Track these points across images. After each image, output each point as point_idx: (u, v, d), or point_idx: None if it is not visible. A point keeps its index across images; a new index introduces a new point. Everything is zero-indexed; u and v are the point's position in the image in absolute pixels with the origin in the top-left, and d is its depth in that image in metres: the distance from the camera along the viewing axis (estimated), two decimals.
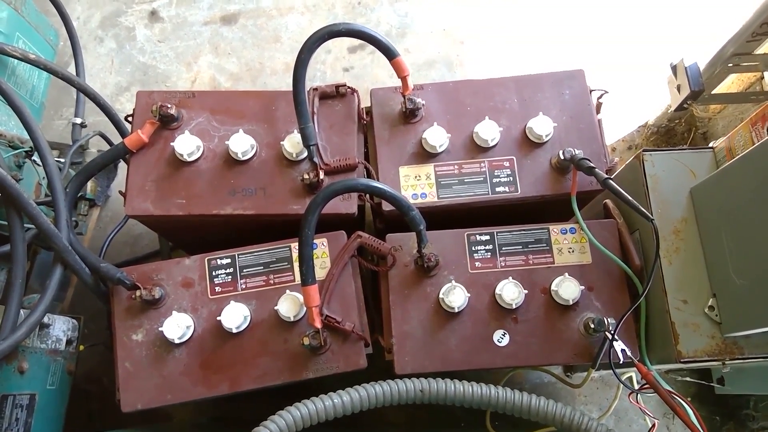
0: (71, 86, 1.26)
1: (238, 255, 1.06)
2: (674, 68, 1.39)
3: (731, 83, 1.49)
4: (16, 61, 1.20)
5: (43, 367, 1.09)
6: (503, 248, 1.06)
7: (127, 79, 1.85)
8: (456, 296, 1.01)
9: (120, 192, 1.10)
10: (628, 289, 1.04)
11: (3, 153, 1.09)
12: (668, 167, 1.05)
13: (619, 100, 1.34)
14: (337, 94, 1.13)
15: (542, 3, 1.90)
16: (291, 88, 1.03)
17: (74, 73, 1.31)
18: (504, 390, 0.91)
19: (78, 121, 1.45)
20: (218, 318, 1.01)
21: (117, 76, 1.86)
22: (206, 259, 1.06)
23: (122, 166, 1.60)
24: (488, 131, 1.09)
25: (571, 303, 1.02)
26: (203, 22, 1.91)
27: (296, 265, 1.04)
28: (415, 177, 1.10)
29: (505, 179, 1.09)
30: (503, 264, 1.05)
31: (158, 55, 1.88)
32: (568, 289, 1.01)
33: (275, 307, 1.01)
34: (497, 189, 1.09)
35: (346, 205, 1.07)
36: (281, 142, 1.08)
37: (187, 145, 1.07)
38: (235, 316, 1.00)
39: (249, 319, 1.02)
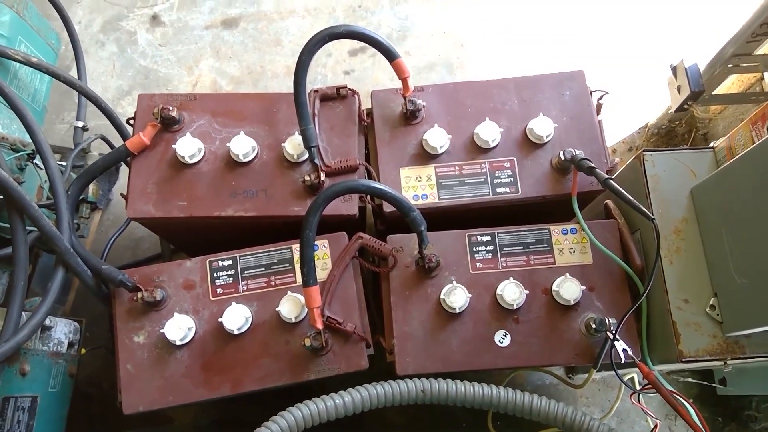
0: (73, 90, 1.27)
1: (240, 256, 1.06)
2: (674, 69, 1.40)
3: (731, 84, 1.49)
4: (18, 64, 1.21)
5: (45, 369, 1.09)
6: (504, 249, 1.06)
7: (129, 83, 1.86)
8: (457, 297, 1.01)
9: (122, 195, 1.10)
10: (629, 289, 1.04)
11: (5, 156, 1.09)
12: (669, 167, 1.05)
13: (620, 101, 1.34)
14: (338, 95, 1.13)
15: (542, 4, 1.91)
16: (292, 91, 1.04)
17: (76, 77, 1.31)
18: (505, 390, 0.91)
19: (80, 124, 1.45)
20: (220, 319, 1.01)
21: (118, 79, 1.86)
22: (207, 261, 1.06)
23: (123, 169, 1.61)
24: (489, 132, 1.09)
25: (572, 303, 1.02)
26: (204, 26, 1.92)
27: (297, 266, 1.04)
28: (416, 178, 1.10)
29: (506, 180, 1.09)
30: (504, 264, 1.06)
31: (159, 58, 1.89)
32: (569, 289, 1.01)
33: (277, 309, 1.01)
34: (498, 190, 1.09)
35: (347, 206, 1.07)
36: (282, 144, 1.08)
37: (188, 147, 1.07)
38: (236, 318, 1.00)
39: (250, 320, 1.02)
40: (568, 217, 1.09)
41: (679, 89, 1.40)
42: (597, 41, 1.82)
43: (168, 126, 1.10)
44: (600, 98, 1.14)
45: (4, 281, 1.13)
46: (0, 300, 1.11)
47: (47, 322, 1.09)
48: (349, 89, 1.13)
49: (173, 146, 1.08)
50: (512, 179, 1.09)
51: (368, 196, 1.09)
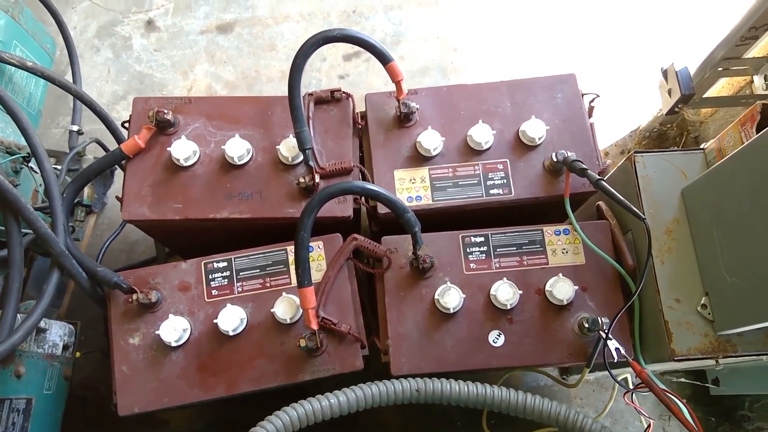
0: (68, 94, 1.27)
1: (235, 258, 1.06)
2: (665, 72, 1.41)
3: (722, 87, 1.51)
4: (13, 68, 1.21)
5: (40, 371, 1.09)
6: (498, 250, 1.07)
7: (124, 88, 1.87)
8: (451, 297, 1.01)
9: (117, 197, 1.11)
10: (621, 289, 1.05)
11: (0, 159, 1.09)
12: (660, 168, 1.06)
13: (611, 104, 1.35)
14: (332, 98, 1.14)
15: (535, 9, 1.93)
16: (286, 94, 1.04)
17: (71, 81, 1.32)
18: (499, 389, 0.91)
19: (75, 128, 1.46)
20: (215, 321, 1.01)
21: (113, 84, 1.87)
22: (203, 263, 1.06)
23: (118, 173, 1.62)
24: (482, 134, 1.10)
25: (565, 303, 1.02)
26: (199, 31, 1.93)
27: (292, 268, 1.05)
28: (410, 180, 1.11)
29: (499, 182, 1.10)
30: (498, 265, 1.06)
31: (155, 63, 1.90)
32: (562, 289, 1.02)
33: (271, 310, 1.01)
34: (491, 191, 1.10)
35: (341, 208, 1.08)
36: (277, 147, 1.09)
37: (183, 150, 1.08)
38: (231, 319, 1.01)
39: (245, 321, 1.03)
40: (560, 219, 1.10)
41: (669, 92, 1.41)
42: (588, 45, 1.84)
43: (163, 129, 1.11)
44: (592, 101, 1.15)
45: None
46: None
47: (42, 324, 1.09)
48: (344, 92, 1.14)
49: (168, 149, 1.08)
50: (505, 181, 1.10)
51: (363, 198, 1.10)
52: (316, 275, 1.03)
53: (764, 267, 0.84)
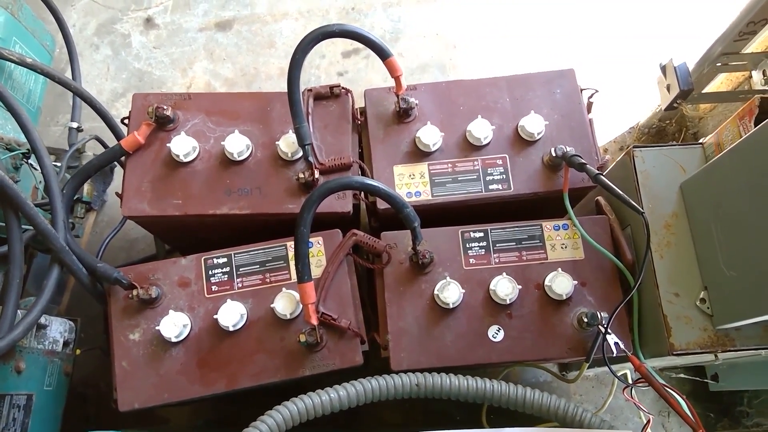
0: (67, 92, 1.27)
1: (235, 254, 1.06)
2: (663, 68, 1.41)
3: (720, 83, 1.51)
4: (12, 65, 1.21)
5: (40, 367, 1.09)
6: (497, 245, 1.07)
7: (123, 86, 1.87)
8: (451, 292, 1.02)
9: (116, 193, 1.11)
10: (620, 284, 1.05)
11: (0, 155, 1.10)
12: (658, 163, 1.06)
13: (610, 101, 1.36)
14: (332, 94, 1.14)
15: (534, 5, 1.93)
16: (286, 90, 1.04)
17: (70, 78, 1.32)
18: (499, 383, 0.92)
19: (74, 125, 1.46)
20: (215, 317, 1.01)
21: (113, 82, 1.87)
22: (203, 259, 1.06)
23: (118, 171, 1.62)
24: (481, 130, 1.10)
25: (564, 298, 1.03)
26: (198, 28, 1.93)
27: (292, 263, 1.05)
28: (410, 175, 1.11)
29: (498, 177, 1.10)
30: (497, 260, 1.07)
31: (154, 61, 1.90)
32: (561, 284, 1.02)
33: (271, 305, 1.02)
34: (490, 187, 1.10)
35: (341, 203, 1.08)
36: (276, 142, 1.09)
37: (183, 146, 1.08)
38: (231, 315, 1.01)
39: (245, 317, 1.03)
40: (559, 214, 1.10)
41: (668, 88, 1.41)
42: (587, 41, 1.84)
43: (163, 125, 1.11)
44: (590, 96, 1.15)
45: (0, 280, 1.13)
46: None
47: (42, 320, 1.09)
48: (343, 88, 1.14)
49: (168, 145, 1.08)
50: (504, 176, 1.10)
51: (362, 193, 1.10)
52: (316, 271, 1.03)
53: (763, 261, 0.84)
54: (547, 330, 1.03)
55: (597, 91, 1.15)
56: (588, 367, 1.04)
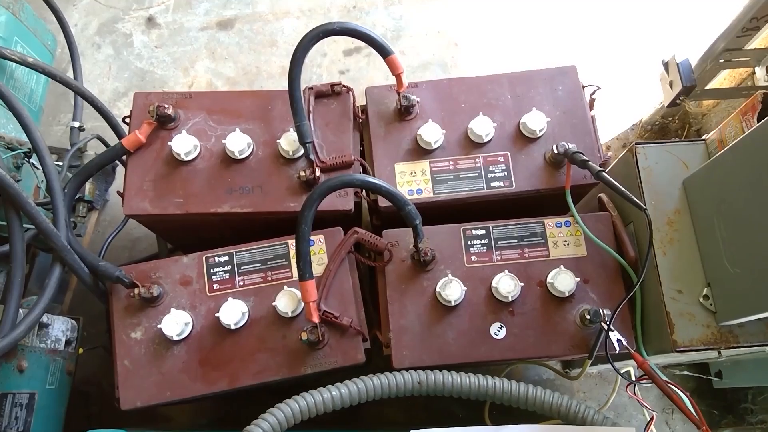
0: (69, 92, 1.28)
1: (236, 252, 1.06)
2: (666, 65, 1.41)
3: (724, 79, 1.50)
4: (14, 64, 1.21)
5: (43, 366, 1.10)
6: (499, 242, 1.07)
7: (125, 85, 1.87)
8: (452, 290, 1.01)
9: (118, 192, 1.11)
10: (623, 281, 1.05)
11: (2, 154, 1.10)
12: (661, 160, 1.06)
13: (613, 97, 1.35)
14: (333, 92, 1.14)
15: (535, 2, 1.92)
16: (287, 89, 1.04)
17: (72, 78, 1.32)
18: (501, 380, 0.91)
19: (76, 124, 1.46)
20: (216, 315, 1.01)
21: (115, 81, 1.87)
22: (204, 257, 1.06)
23: (120, 170, 1.62)
24: (482, 127, 1.10)
25: (567, 295, 1.02)
26: (200, 27, 1.93)
27: (294, 261, 1.05)
28: (411, 173, 1.10)
29: (500, 174, 1.10)
30: (499, 258, 1.06)
31: (155, 60, 1.90)
32: (563, 281, 1.02)
33: (273, 303, 1.02)
34: (492, 184, 1.10)
35: (342, 201, 1.08)
36: (277, 141, 1.09)
37: (184, 144, 1.08)
38: (233, 313, 1.01)
39: (247, 315, 1.03)
40: (562, 211, 1.10)
41: (671, 84, 1.41)
42: (589, 37, 1.84)
43: (164, 123, 1.11)
44: (593, 93, 1.15)
45: (2, 279, 1.13)
46: None
47: (45, 319, 1.10)
48: (344, 86, 1.14)
49: (169, 144, 1.08)
50: (506, 173, 1.10)
51: (363, 191, 1.10)
52: (318, 269, 1.03)
53: (766, 257, 0.83)
54: (549, 327, 1.03)
55: (599, 87, 1.14)
56: (591, 365, 1.04)
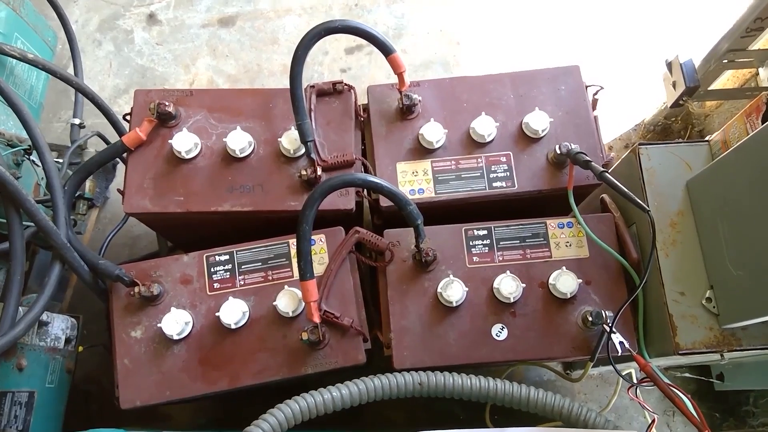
0: (70, 89, 1.27)
1: (237, 251, 1.06)
2: (669, 65, 1.40)
3: (727, 80, 1.49)
4: (14, 60, 1.21)
5: (42, 364, 1.09)
6: (501, 243, 1.06)
7: (126, 82, 1.86)
8: (454, 290, 1.01)
9: (118, 190, 1.11)
10: (625, 283, 1.05)
11: (1, 151, 1.09)
12: (664, 160, 1.05)
13: (616, 98, 1.34)
14: (334, 91, 1.13)
15: (538, 1, 1.92)
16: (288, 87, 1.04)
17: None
18: (502, 382, 0.91)
19: (76, 121, 1.46)
20: (217, 314, 1.01)
21: (115, 78, 1.87)
22: (205, 256, 1.06)
23: (120, 168, 1.61)
24: (485, 127, 1.09)
25: (568, 296, 1.02)
26: (201, 24, 1.93)
27: (294, 261, 1.04)
28: (413, 173, 1.10)
29: (502, 174, 1.09)
30: (501, 258, 1.06)
31: (156, 57, 1.89)
32: (565, 282, 1.01)
33: (274, 303, 1.01)
34: (494, 184, 1.09)
35: (343, 201, 1.07)
36: (279, 139, 1.09)
37: (185, 142, 1.07)
38: (233, 312, 1.00)
39: (247, 315, 1.02)
40: (564, 212, 1.09)
41: (674, 85, 1.40)
42: (592, 37, 1.83)
43: (164, 121, 1.10)
44: (596, 93, 1.14)
45: (1, 277, 1.13)
46: None
47: (44, 317, 1.09)
48: (345, 84, 1.14)
49: (170, 141, 1.08)
50: (508, 173, 1.09)
51: (365, 191, 1.09)
52: (318, 268, 1.03)
53: None
54: (551, 329, 1.02)
55: (602, 87, 1.14)
56: (592, 366, 1.03)
